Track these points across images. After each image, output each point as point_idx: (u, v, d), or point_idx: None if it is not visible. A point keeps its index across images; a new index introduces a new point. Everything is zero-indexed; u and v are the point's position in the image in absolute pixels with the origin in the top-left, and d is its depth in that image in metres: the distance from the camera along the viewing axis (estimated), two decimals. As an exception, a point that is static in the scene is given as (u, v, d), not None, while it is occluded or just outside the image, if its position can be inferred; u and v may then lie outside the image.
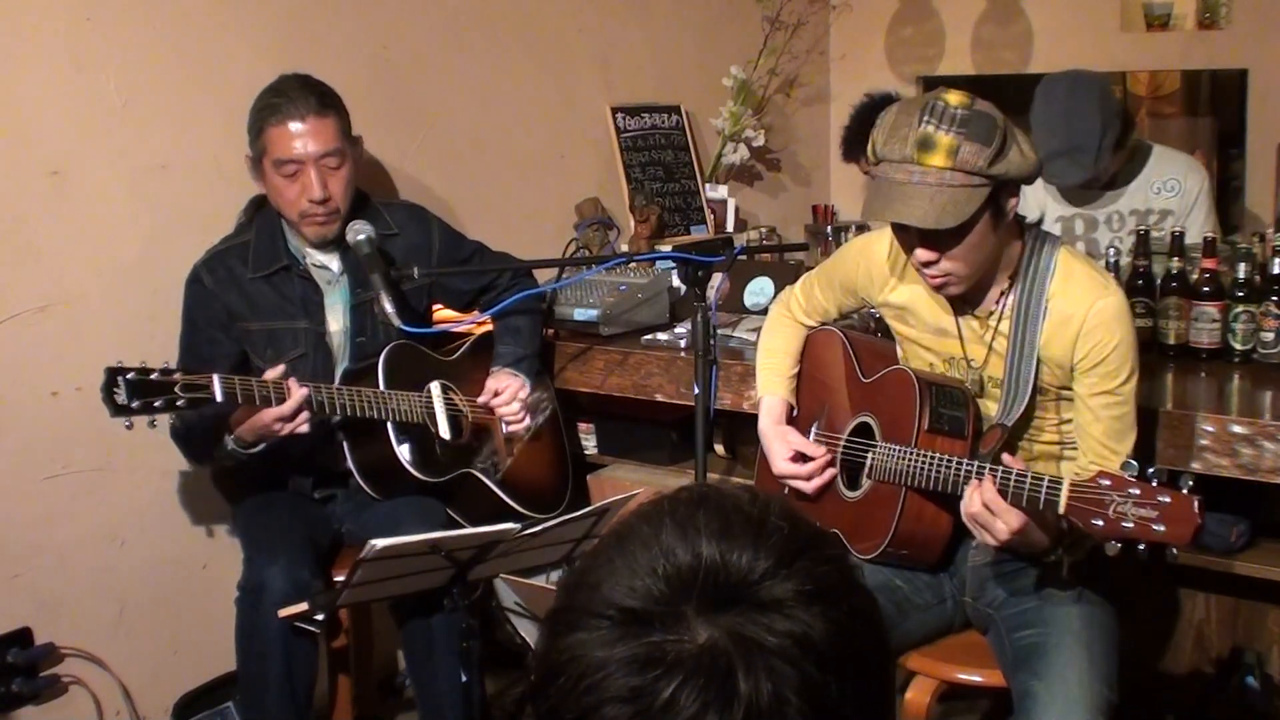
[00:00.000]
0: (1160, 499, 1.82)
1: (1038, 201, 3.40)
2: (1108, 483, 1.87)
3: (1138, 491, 1.84)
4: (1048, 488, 1.96)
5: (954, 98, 2.06)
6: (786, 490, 2.52)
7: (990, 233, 2.11)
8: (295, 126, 2.67)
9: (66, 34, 2.73)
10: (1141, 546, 1.85)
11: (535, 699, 0.93)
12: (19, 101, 2.68)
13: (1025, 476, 1.99)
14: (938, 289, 2.20)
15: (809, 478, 2.45)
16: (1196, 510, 1.80)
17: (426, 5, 3.44)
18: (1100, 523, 1.87)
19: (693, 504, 0.96)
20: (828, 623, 0.89)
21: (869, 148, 2.14)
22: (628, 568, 0.92)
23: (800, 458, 2.47)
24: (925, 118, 2.04)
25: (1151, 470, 1.85)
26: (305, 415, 2.55)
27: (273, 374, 2.54)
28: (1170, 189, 3.31)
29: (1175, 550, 1.83)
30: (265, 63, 2.94)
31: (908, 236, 2.15)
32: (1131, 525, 1.84)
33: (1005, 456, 2.09)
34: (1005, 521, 2.01)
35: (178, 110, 2.92)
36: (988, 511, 2.02)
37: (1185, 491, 1.81)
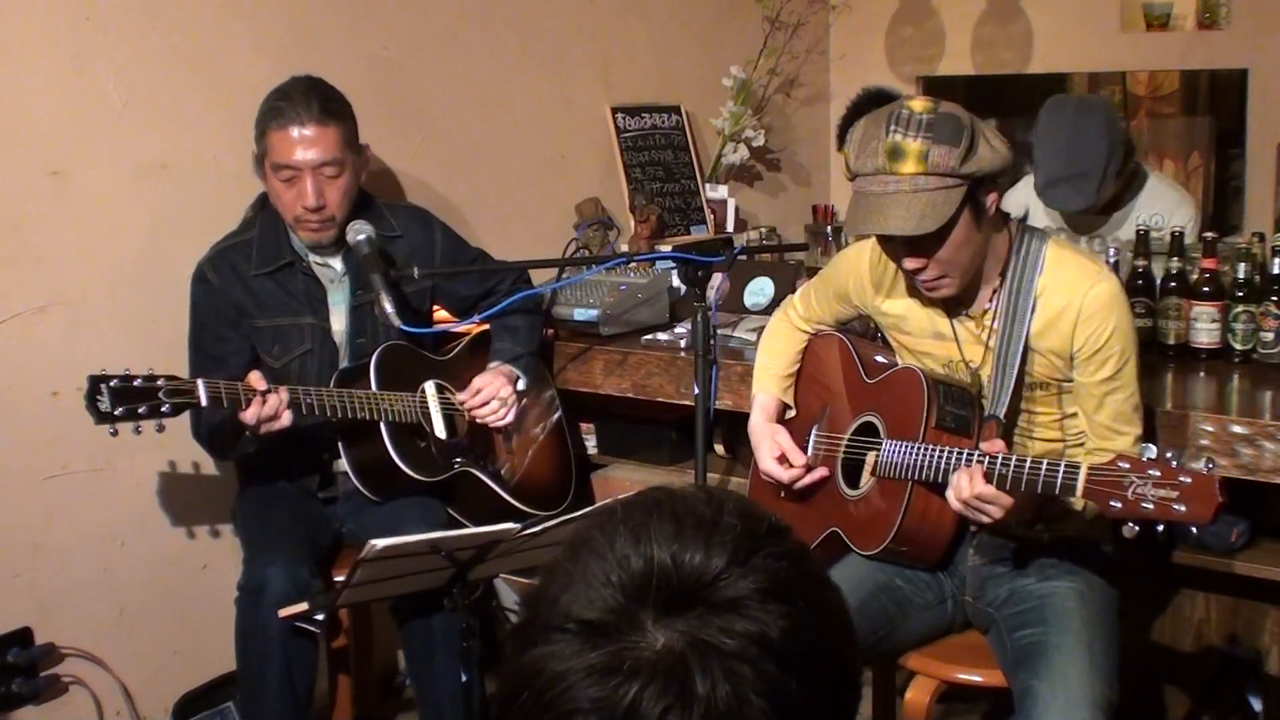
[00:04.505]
0: (1181, 479, 1.83)
1: (1020, 203, 3.40)
2: (1126, 465, 1.88)
3: (1157, 473, 1.85)
4: (1065, 472, 1.96)
5: (918, 104, 2.09)
6: (783, 493, 2.52)
7: (974, 231, 2.13)
8: (295, 133, 2.66)
9: (66, 34, 2.73)
10: (1161, 527, 1.86)
11: (503, 715, 0.93)
12: (19, 101, 2.68)
13: (1041, 463, 2.00)
14: (930, 293, 2.22)
15: (791, 482, 2.47)
16: (1218, 489, 1.80)
17: (426, 5, 3.44)
18: (1119, 504, 1.88)
19: (646, 509, 0.96)
20: (786, 620, 0.89)
21: (844, 165, 2.17)
22: (583, 578, 0.92)
23: (785, 460, 2.48)
24: (892, 127, 2.06)
25: (1170, 453, 1.86)
26: (288, 416, 2.54)
27: (255, 380, 2.52)
28: (1154, 224, 3.27)
29: (1195, 529, 1.84)
30: (265, 62, 2.95)
31: (893, 246, 2.17)
32: (1151, 506, 1.84)
33: (998, 442, 2.10)
34: (999, 504, 2.04)
35: (178, 110, 2.92)
36: (978, 499, 2.05)
37: (1206, 471, 1.82)
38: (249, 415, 2.50)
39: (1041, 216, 3.42)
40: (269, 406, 2.51)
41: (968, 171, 2.06)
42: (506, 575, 2.44)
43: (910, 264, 2.15)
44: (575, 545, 0.96)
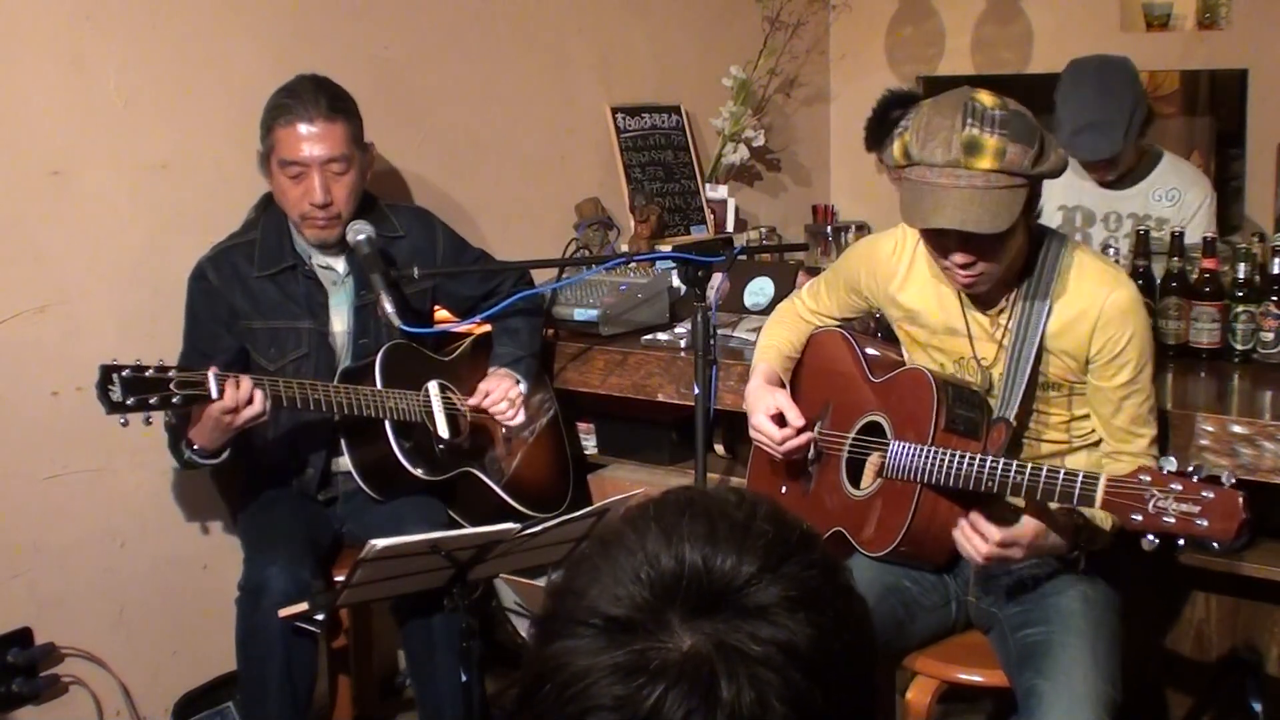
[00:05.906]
0: (1204, 494, 1.81)
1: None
2: (1148, 478, 1.86)
3: (1179, 487, 1.82)
4: (1083, 482, 1.94)
5: (987, 99, 2.05)
6: (784, 488, 2.51)
7: (1024, 231, 2.14)
8: (303, 129, 2.67)
9: (66, 34, 2.73)
10: (1182, 542, 1.84)
11: (522, 706, 0.93)
12: (19, 101, 2.68)
13: (1058, 471, 1.99)
14: (967, 287, 2.20)
15: (781, 442, 2.41)
16: (1241, 505, 1.78)
17: (426, 5, 3.44)
18: (1139, 518, 1.86)
19: (678, 508, 0.96)
20: (813, 629, 0.89)
21: (899, 150, 2.10)
22: (612, 574, 0.92)
23: (781, 420, 2.43)
24: (968, 120, 2.02)
25: (1192, 467, 1.85)
26: (260, 406, 2.50)
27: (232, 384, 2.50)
28: (1170, 198, 3.29)
29: (1218, 545, 1.82)
30: (266, 62, 2.95)
31: (946, 240, 2.13)
32: (1173, 520, 1.82)
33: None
34: (1019, 543, 2.04)
35: (178, 110, 2.92)
36: (998, 549, 2.04)
37: (1229, 487, 1.80)
38: (228, 399, 2.46)
39: (1058, 197, 3.42)
40: (243, 390, 2.48)
41: (1037, 173, 2.05)
42: (506, 575, 2.44)
43: (962, 259, 2.12)
44: (605, 540, 0.95)
